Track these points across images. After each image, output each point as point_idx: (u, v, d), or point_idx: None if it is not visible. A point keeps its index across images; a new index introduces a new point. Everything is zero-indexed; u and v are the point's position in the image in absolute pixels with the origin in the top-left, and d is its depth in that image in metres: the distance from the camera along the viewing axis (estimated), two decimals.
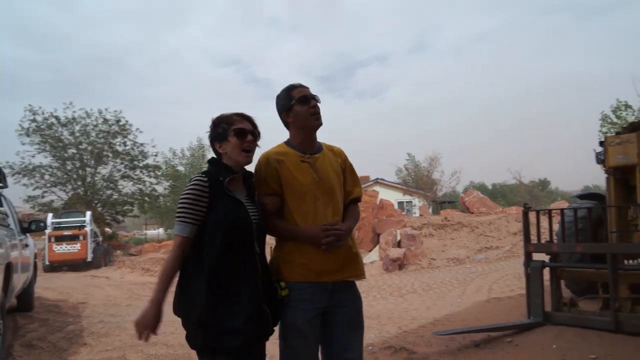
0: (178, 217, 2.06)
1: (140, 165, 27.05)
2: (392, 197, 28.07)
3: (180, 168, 33.13)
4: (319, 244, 2.20)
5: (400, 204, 32.88)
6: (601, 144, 5.05)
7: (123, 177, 27.00)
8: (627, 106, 18.04)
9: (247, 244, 2.10)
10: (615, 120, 17.94)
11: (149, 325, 1.98)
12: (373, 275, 11.50)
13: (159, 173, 28.53)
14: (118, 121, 26.21)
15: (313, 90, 2.40)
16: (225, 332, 1.98)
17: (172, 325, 6.33)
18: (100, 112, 25.96)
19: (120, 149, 26.32)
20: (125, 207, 27.76)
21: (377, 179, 36.33)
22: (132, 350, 5.29)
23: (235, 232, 2.06)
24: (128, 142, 26.57)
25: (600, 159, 5.11)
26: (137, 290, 11.33)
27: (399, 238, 13.73)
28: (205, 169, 2.23)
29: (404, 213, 22.89)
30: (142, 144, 26.96)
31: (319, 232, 2.21)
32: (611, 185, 4.95)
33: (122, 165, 26.82)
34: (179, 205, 2.06)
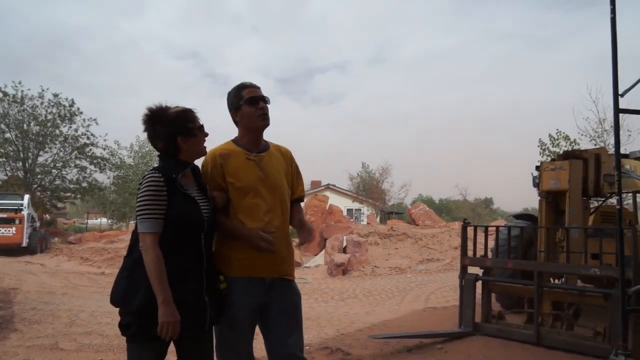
0: (143, 214, 2.03)
1: (89, 154, 26.09)
2: (342, 203, 28.44)
3: (128, 160, 32.20)
4: (254, 245, 2.27)
5: (350, 210, 33.31)
6: (537, 168, 5.40)
7: (67, 164, 25.94)
8: (566, 137, 19.09)
9: (196, 238, 2.14)
10: (552, 148, 18.98)
11: (173, 320, 1.97)
12: (317, 279, 11.63)
13: (104, 165, 27.57)
14: (71, 106, 25.18)
15: (269, 92, 2.47)
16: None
17: (108, 316, 6.23)
18: (55, 95, 24.89)
19: (66, 132, 25.30)
20: (67, 194, 26.69)
21: (328, 184, 36.65)
22: (65, 339, 5.17)
23: (187, 229, 2.11)
24: (80, 129, 25.61)
25: (536, 183, 5.45)
26: (74, 279, 10.96)
27: (345, 244, 13.94)
28: (155, 163, 2.25)
29: (352, 220, 23.22)
30: (93, 135, 26.05)
31: (255, 235, 2.27)
32: (543, 208, 5.30)
33: (68, 152, 25.78)
34: (141, 203, 2.05)
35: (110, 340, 5.11)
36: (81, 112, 25.59)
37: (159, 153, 2.25)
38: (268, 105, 2.45)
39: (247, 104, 2.40)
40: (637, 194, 7.35)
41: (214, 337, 2.29)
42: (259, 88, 2.46)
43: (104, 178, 29.42)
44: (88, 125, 25.83)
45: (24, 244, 16.17)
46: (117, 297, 2.07)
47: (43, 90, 24.67)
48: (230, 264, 2.30)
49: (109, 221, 36.29)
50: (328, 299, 8.75)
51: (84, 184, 26.43)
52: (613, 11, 3.75)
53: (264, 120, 2.42)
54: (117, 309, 2.08)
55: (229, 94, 2.48)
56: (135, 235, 2.12)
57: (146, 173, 2.13)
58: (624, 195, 5.17)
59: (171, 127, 2.17)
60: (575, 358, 4.21)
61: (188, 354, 2.20)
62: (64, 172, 26.06)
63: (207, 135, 2.27)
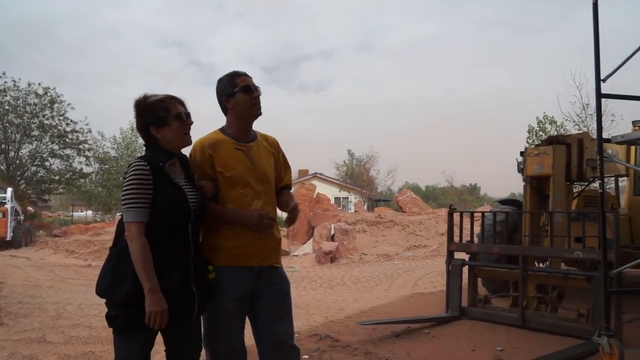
0: (129, 203, 2.01)
1: (71, 142, 25.74)
2: (330, 192, 28.50)
3: (111, 151, 31.88)
4: (251, 227, 2.28)
5: (337, 199, 33.40)
6: (522, 154, 5.45)
7: (52, 155, 25.59)
8: (552, 121, 19.39)
9: (183, 228, 2.13)
10: (540, 133, 19.29)
11: (160, 309, 1.96)
12: (305, 267, 11.69)
13: (90, 154, 27.27)
14: (45, 93, 24.76)
15: (256, 80, 2.45)
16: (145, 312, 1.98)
17: (96, 308, 6.19)
18: (28, 84, 24.46)
19: (47, 122, 24.91)
20: (52, 185, 26.36)
21: (315, 173, 36.67)
22: (52, 332, 5.14)
23: (173, 218, 2.09)
24: (57, 117, 25.21)
25: (521, 168, 5.51)
26: (60, 272, 10.88)
27: (332, 232, 14.01)
28: (138, 153, 2.23)
29: (339, 208, 23.31)
30: (72, 121, 25.68)
31: (254, 215, 2.29)
32: (527, 193, 5.35)
33: (51, 142, 25.42)
34: (126, 192, 2.03)
35: (98, 332, 5.09)
36: (62, 99, 25.20)
37: (144, 143, 2.23)
38: (260, 95, 2.44)
39: (242, 92, 2.37)
40: (619, 178, 7.48)
41: (201, 327, 2.28)
42: (251, 77, 2.45)
43: (88, 169, 29.07)
44: (64, 112, 25.44)
45: (8, 238, 15.98)
46: (103, 288, 2.05)
47: (30, 84, 24.36)
48: (218, 253, 2.30)
49: (94, 214, 35.96)
50: (316, 287, 8.80)
51: (68, 175, 26.10)
52: None
53: (257, 110, 2.42)
54: (104, 301, 2.07)
55: (221, 80, 2.44)
56: (121, 225, 2.09)
57: (132, 162, 2.11)
58: (606, 179, 5.25)
59: (144, 117, 2.15)
60: (559, 340, 4.29)
61: (176, 344, 2.20)
62: (47, 163, 25.73)
63: (190, 123, 2.23)
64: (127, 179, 2.05)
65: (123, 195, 2.04)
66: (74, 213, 38.82)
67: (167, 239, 2.07)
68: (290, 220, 2.56)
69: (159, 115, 2.14)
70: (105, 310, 2.06)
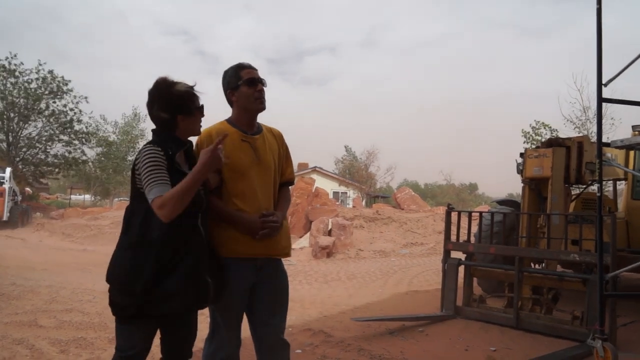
0: (153, 180, 1.98)
1: (74, 128, 25.80)
2: (329, 186, 28.47)
3: (112, 136, 31.86)
4: (255, 233, 2.27)
5: (336, 194, 33.37)
6: (521, 155, 5.43)
7: (52, 138, 25.63)
8: (546, 125, 19.59)
9: (194, 218, 2.12)
10: (535, 137, 19.49)
11: (214, 156, 2.01)
12: (301, 261, 11.68)
13: (92, 141, 27.34)
14: (54, 78, 24.80)
15: (261, 73, 2.42)
16: (165, 299, 1.99)
17: (90, 294, 6.18)
18: (50, 71, 24.55)
19: (55, 107, 25.01)
20: (50, 169, 26.40)
21: (315, 167, 36.61)
22: (45, 316, 5.12)
23: (186, 208, 2.05)
24: (69, 104, 25.34)
25: (520, 170, 5.49)
26: (56, 255, 10.86)
27: (330, 227, 13.99)
28: (139, 140, 2.21)
29: (337, 203, 23.27)
30: (81, 111, 25.78)
31: (256, 222, 2.27)
32: (526, 194, 5.35)
33: (55, 126, 25.45)
34: (147, 172, 1.99)
35: (91, 318, 5.07)
36: (71, 90, 25.31)
37: (154, 128, 2.21)
38: (265, 88, 2.42)
39: (246, 85, 2.36)
40: (617, 182, 7.48)
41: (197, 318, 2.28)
42: (257, 70, 2.43)
43: (90, 153, 29.13)
44: (77, 102, 25.52)
45: (5, 218, 15.99)
46: (118, 277, 2.03)
47: (40, 65, 24.36)
48: (222, 244, 2.28)
49: (93, 197, 35.92)
50: (312, 281, 8.79)
51: (70, 158, 26.16)
52: (599, 2, 3.78)
53: (261, 104, 2.40)
54: (99, 288, 2.05)
55: (226, 72, 2.43)
56: (130, 212, 2.09)
57: (143, 146, 2.10)
58: (604, 183, 5.24)
59: (174, 104, 2.14)
60: (553, 341, 4.30)
61: (174, 332, 2.20)
62: (48, 147, 25.76)
63: (203, 116, 2.25)
64: (143, 161, 2.02)
65: (145, 174, 2.00)
66: (72, 196, 38.80)
67: (181, 229, 2.05)
68: (264, 234, 2.30)
69: (189, 106, 2.17)
70: (101, 297, 2.05)
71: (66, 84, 25.12)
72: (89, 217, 18.55)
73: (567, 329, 4.45)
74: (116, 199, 33.19)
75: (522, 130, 20.21)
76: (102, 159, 31.02)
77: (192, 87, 2.20)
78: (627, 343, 4.24)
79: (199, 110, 2.22)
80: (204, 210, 2.17)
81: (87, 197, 37.23)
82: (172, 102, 2.13)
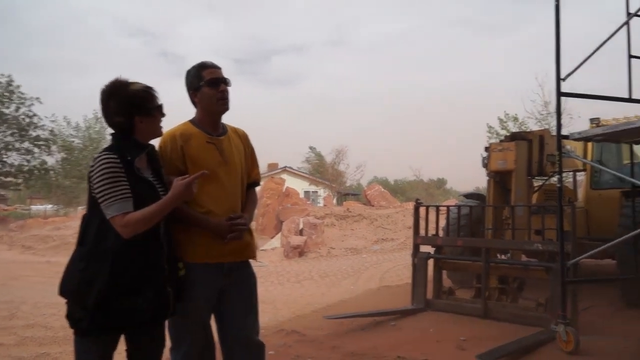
0: (109, 197, 1.90)
1: (32, 135, 24.84)
2: (299, 186, 28.45)
3: (76, 140, 30.94)
4: (223, 237, 2.24)
5: (306, 193, 33.38)
6: (486, 149, 5.56)
7: (8, 148, 24.63)
8: (515, 119, 19.98)
9: (155, 226, 2.03)
10: (500, 131, 19.89)
11: (187, 189, 2.01)
12: (273, 262, 11.66)
13: (53, 146, 26.37)
14: (9, 84, 23.83)
15: (226, 73, 2.37)
16: (121, 313, 1.93)
17: (53, 307, 6.00)
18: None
19: (7, 112, 23.98)
20: (8, 179, 25.40)
21: (285, 167, 36.52)
22: (5, 333, 4.94)
23: None
24: (21, 109, 24.29)
25: (485, 163, 5.63)
26: (16, 269, 10.45)
27: (301, 226, 14.00)
28: (104, 144, 2.15)
29: (308, 202, 23.30)
30: (35, 115, 24.78)
31: (225, 225, 2.24)
32: (491, 187, 5.48)
33: (9, 134, 24.46)
34: (102, 186, 1.91)
35: (55, 333, 4.93)
36: (18, 87, 24.24)
37: (112, 132, 2.11)
38: (229, 88, 2.36)
39: (208, 86, 2.30)
40: (577, 173, 7.74)
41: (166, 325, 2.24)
42: (220, 69, 2.37)
43: (51, 161, 28.12)
44: (30, 105, 24.55)
45: None
46: (70, 290, 1.95)
47: None
48: (188, 250, 2.24)
49: (55, 207, 34.80)
50: (284, 282, 8.79)
51: (27, 169, 25.18)
52: None
53: (224, 105, 2.35)
54: (64, 300, 1.98)
55: (188, 72, 2.37)
56: (86, 221, 2.00)
57: (99, 153, 2.00)
58: (564, 174, 5.42)
59: (130, 105, 2.03)
60: (519, 329, 4.41)
61: (140, 345, 2.13)
62: (4, 157, 24.77)
63: (164, 116, 2.16)
64: (97, 172, 1.93)
65: (99, 190, 1.91)
66: (32, 206, 37.50)
67: (141, 239, 1.97)
68: (232, 237, 2.28)
69: (147, 106, 2.07)
70: (64, 310, 1.97)
71: (10, 85, 24.01)
72: (51, 228, 17.95)
73: (532, 316, 4.58)
74: (80, 207, 32.25)
75: (487, 124, 20.66)
76: (67, 166, 30.09)
77: (149, 87, 2.11)
78: (588, 326, 4.40)
79: (158, 110, 2.12)
80: (165, 219, 2.10)
81: (49, 206, 36.06)
82: (127, 103, 2.03)
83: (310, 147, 39.19)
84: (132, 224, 1.91)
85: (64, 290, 1.97)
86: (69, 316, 1.96)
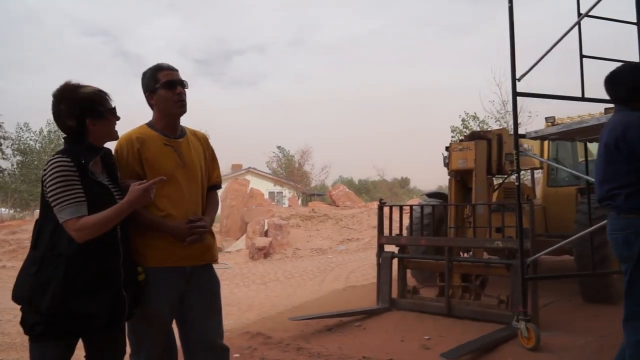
0: (63, 200, 1.87)
1: None
2: (264, 187, 28.27)
3: (32, 143, 29.83)
4: (183, 239, 2.20)
5: (271, 194, 33.22)
6: (447, 149, 5.65)
7: None
8: (475, 117, 20.45)
9: (111, 230, 2.00)
10: (462, 129, 20.30)
11: (145, 193, 1.99)
12: (238, 263, 11.53)
13: (6, 149, 25.32)
14: None
15: (187, 73, 2.39)
16: (76, 318, 1.89)
17: (10, 313, 5.77)
18: None
19: None
20: None
21: (249, 168, 36.26)
22: None
23: None
24: None
25: (446, 163, 5.72)
26: None
27: (266, 227, 13.91)
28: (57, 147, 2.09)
29: (273, 203, 23.17)
30: None
31: (184, 228, 2.21)
32: (452, 186, 5.58)
33: None
34: (55, 190, 1.88)
35: (12, 338, 4.75)
36: None
37: (65, 136, 2.07)
38: (186, 90, 2.33)
39: (164, 88, 2.27)
40: (535, 171, 7.97)
41: (126, 330, 2.18)
42: (177, 71, 2.34)
43: (6, 164, 26.99)
44: None
45: None
46: (23, 295, 1.91)
47: None
48: (148, 255, 2.20)
49: (10, 210, 33.46)
50: (249, 283, 8.70)
51: None
52: (510, 0, 4.00)
53: (181, 108, 2.32)
54: (20, 307, 1.93)
55: (144, 74, 2.33)
56: (39, 225, 1.96)
57: (51, 157, 1.95)
58: (523, 172, 5.56)
59: (80, 108, 2.01)
60: (482, 326, 4.50)
61: (99, 350, 2.08)
62: None
63: (118, 119, 2.13)
64: (50, 176, 1.89)
65: (53, 194, 1.88)
66: None
67: (96, 243, 1.94)
68: (192, 240, 2.23)
69: (99, 109, 2.04)
70: (20, 315, 1.92)
71: None
72: (6, 232, 17.22)
73: (495, 313, 4.68)
74: (37, 211, 31.12)
75: (451, 126, 21.06)
76: (23, 170, 28.95)
77: (100, 90, 2.09)
78: (548, 322, 4.52)
79: (112, 113, 2.10)
80: (123, 223, 2.07)
81: (4, 210, 34.64)
82: (78, 106, 2.00)
83: (278, 147, 39.00)
84: (86, 228, 1.88)
85: (16, 296, 1.94)
86: (23, 322, 1.93)
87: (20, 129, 29.29)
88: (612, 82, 2.79)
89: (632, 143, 2.54)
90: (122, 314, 2.05)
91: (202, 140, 2.51)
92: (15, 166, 28.73)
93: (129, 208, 1.98)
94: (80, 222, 1.87)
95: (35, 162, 28.74)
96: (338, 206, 21.95)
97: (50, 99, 2.03)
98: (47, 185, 1.89)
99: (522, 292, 4.07)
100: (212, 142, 2.59)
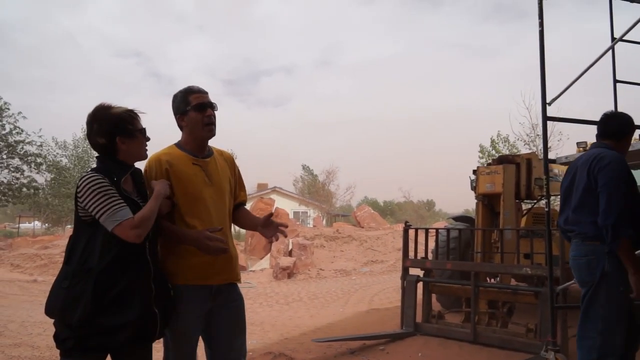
0: (112, 206, 1.94)
1: (20, 152, 24.57)
2: (289, 206, 28.43)
3: (64, 160, 30.76)
4: (205, 248, 2.22)
5: (296, 213, 33.31)
6: (474, 172, 5.61)
7: None
8: (506, 140, 20.22)
9: (142, 247, 2.05)
10: (492, 152, 20.05)
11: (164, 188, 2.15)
12: (262, 283, 11.55)
13: (40, 163, 26.07)
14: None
15: (215, 93, 2.45)
16: (104, 332, 1.93)
17: (40, 326, 5.91)
18: None
19: None
20: None
21: (275, 187, 36.49)
22: None
23: None
24: (6, 126, 24.05)
25: (473, 186, 5.67)
26: (3, 287, 10.29)
27: (290, 247, 13.93)
28: (93, 164, 2.17)
29: (298, 223, 23.23)
30: (22, 130, 24.53)
31: (204, 235, 2.22)
32: (480, 210, 5.51)
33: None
34: (98, 200, 1.94)
35: (41, 352, 4.84)
36: (7, 107, 24.07)
37: (97, 154, 2.15)
38: (216, 112, 2.40)
39: (195, 110, 2.33)
40: None
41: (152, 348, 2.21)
42: (207, 93, 2.40)
43: (40, 179, 27.80)
44: (15, 121, 24.32)
45: None
46: (55, 308, 1.96)
47: None
48: (176, 272, 2.24)
49: (43, 225, 34.39)
50: (273, 303, 8.70)
51: (17, 186, 24.83)
52: (541, 24, 3.99)
53: (211, 131, 2.38)
54: (50, 320, 1.98)
55: (175, 96, 2.40)
56: (72, 241, 2.01)
57: (86, 174, 2.02)
58: (552, 198, 5.47)
59: (111, 126, 2.08)
60: (509, 354, 4.40)
61: None
62: None
63: (148, 140, 2.20)
64: (89, 190, 1.95)
65: (96, 205, 1.93)
66: (20, 225, 37.05)
67: (127, 261, 1.99)
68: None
69: (128, 128, 2.11)
70: (52, 329, 1.97)
71: (5, 103, 23.85)
72: (39, 246, 17.72)
73: (522, 342, 4.56)
74: (68, 226, 31.91)
75: (480, 145, 20.82)
76: (54, 184, 29.81)
77: (130, 110, 2.17)
78: None
79: (141, 133, 2.17)
80: (152, 239, 2.12)
81: (37, 224, 35.63)
82: (108, 125, 2.08)
83: (303, 166, 39.24)
84: (144, 221, 1.98)
85: (49, 310, 1.99)
86: (56, 337, 1.97)
87: (58, 146, 30.22)
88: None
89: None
90: (154, 331, 2.07)
91: (229, 160, 2.57)
92: (47, 182, 29.55)
93: (157, 199, 2.10)
94: (137, 217, 1.96)
95: (67, 178, 29.55)
96: (363, 227, 21.85)
97: (84, 117, 2.11)
98: (87, 200, 1.94)
99: (551, 321, 3.96)
100: (238, 161, 2.66)
